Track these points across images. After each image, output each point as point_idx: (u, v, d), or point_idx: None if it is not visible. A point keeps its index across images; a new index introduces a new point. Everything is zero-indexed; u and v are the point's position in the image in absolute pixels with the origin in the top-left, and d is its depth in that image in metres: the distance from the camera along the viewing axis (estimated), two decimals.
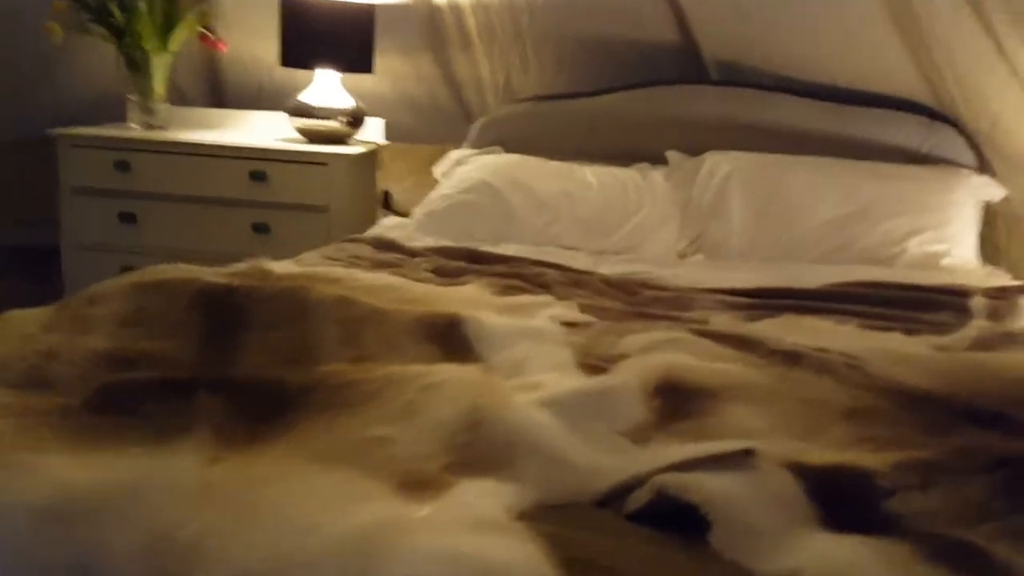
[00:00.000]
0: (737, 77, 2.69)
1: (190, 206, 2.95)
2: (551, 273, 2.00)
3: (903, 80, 2.50)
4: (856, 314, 1.69)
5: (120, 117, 3.14)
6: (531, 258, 2.12)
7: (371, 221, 2.83)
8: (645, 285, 1.96)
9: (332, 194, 2.90)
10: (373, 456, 0.90)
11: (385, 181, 3.28)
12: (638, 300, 1.84)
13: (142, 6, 2.94)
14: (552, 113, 2.79)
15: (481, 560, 0.70)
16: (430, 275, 1.89)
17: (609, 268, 2.11)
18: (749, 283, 1.94)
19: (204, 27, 3.13)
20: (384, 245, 2.21)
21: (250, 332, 1.26)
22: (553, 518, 0.84)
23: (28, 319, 1.25)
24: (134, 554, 0.70)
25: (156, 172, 2.96)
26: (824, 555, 0.77)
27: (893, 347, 1.44)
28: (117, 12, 2.92)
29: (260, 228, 2.88)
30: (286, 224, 2.88)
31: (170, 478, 0.80)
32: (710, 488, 0.83)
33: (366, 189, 3.17)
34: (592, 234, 2.34)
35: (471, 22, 3.14)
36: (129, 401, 1.01)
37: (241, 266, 1.61)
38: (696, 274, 2.07)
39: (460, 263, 2.03)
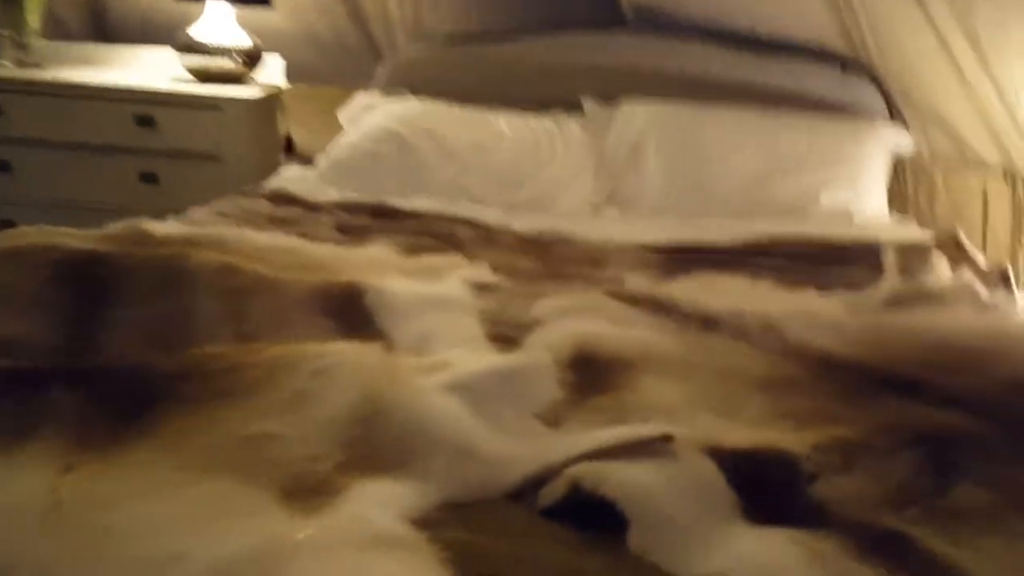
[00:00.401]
0: (653, 21, 2.60)
1: (70, 153, 2.71)
2: (462, 230, 1.91)
3: (819, 26, 2.46)
4: (770, 269, 1.66)
5: None
6: (442, 213, 2.02)
7: (271, 170, 2.65)
8: (558, 241, 1.88)
9: (227, 141, 2.71)
10: (254, 459, 0.80)
11: (287, 125, 3.08)
12: (552, 259, 1.77)
13: None
14: (464, 57, 2.65)
15: None
16: (333, 233, 1.77)
17: (522, 223, 2.02)
18: (663, 238, 1.89)
19: None
20: (283, 199, 2.06)
21: (119, 309, 1.13)
22: (459, 521, 0.77)
23: None
24: None
25: (31, 115, 2.72)
26: (751, 556, 0.72)
27: (809, 308, 1.40)
28: None
29: (148, 178, 2.68)
30: (176, 174, 2.67)
31: (11, 499, 0.68)
32: (627, 481, 0.77)
33: (265, 135, 2.96)
34: (504, 187, 2.24)
35: None
36: None
37: (116, 227, 1.46)
38: (610, 229, 2.01)
39: (366, 220, 1.91)
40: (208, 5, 2.78)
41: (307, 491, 0.76)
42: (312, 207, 2.00)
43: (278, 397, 0.91)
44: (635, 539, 0.75)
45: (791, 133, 2.27)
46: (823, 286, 1.56)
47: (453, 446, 0.85)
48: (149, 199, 2.54)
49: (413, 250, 1.63)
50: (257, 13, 2.90)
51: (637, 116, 2.32)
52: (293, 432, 0.85)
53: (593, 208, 2.24)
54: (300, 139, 3.04)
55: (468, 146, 2.28)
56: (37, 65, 2.84)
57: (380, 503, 0.74)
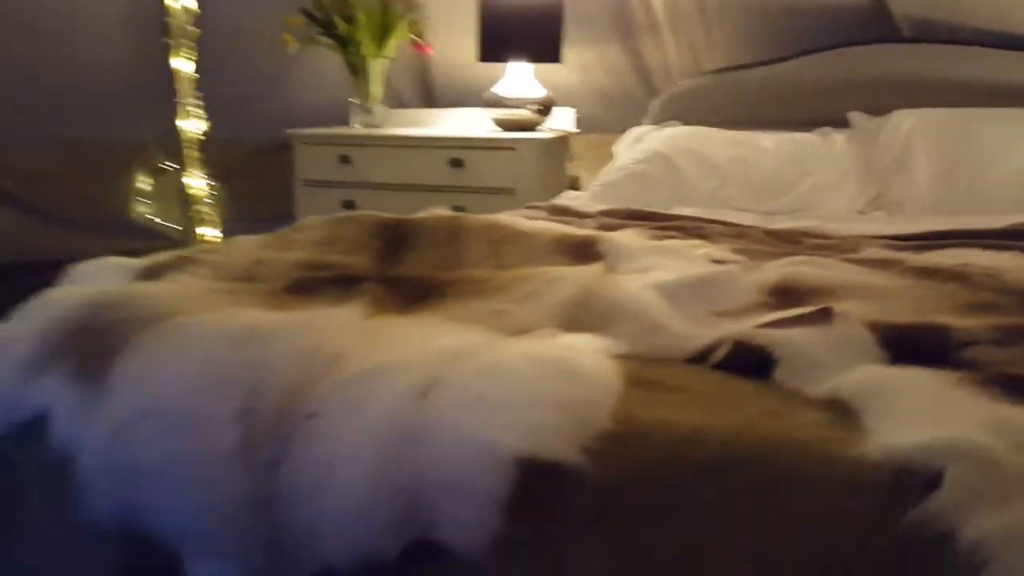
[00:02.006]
0: (929, 34, 2.56)
1: (400, 193, 3.29)
2: (713, 227, 2.04)
3: None
4: None
5: (344, 118, 3.57)
6: (698, 217, 2.18)
7: None
8: (809, 234, 1.94)
9: (521, 177, 3.11)
10: (495, 320, 1.05)
11: (574, 169, 3.46)
12: (797, 246, 1.84)
13: (362, 18, 3.33)
14: (732, 84, 2.81)
15: (557, 358, 0.82)
16: (592, 229, 2.01)
17: (778, 224, 2.11)
18: (923, 230, 1.86)
19: (414, 33, 3.49)
20: (558, 210, 2.36)
21: (414, 251, 1.47)
22: (640, 362, 0.94)
23: (247, 241, 1.54)
24: (291, 361, 0.89)
25: (373, 164, 3.34)
26: (867, 376, 0.79)
27: None
28: (341, 24, 3.33)
29: (458, 210, 3.14)
30: (480, 206, 3.10)
31: (331, 319, 1.00)
32: (781, 335, 0.89)
33: (554, 173, 3.35)
34: (764, 196, 2.34)
35: (657, 5, 3.23)
36: (314, 287, 1.24)
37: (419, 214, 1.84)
38: (869, 226, 2.02)
39: (623, 220, 2.13)
40: (510, 66, 3.26)
41: (527, 334, 0.98)
42: (581, 215, 2.27)
43: (517, 293, 1.16)
44: (780, 373, 0.86)
45: None
46: None
47: (645, 320, 1.02)
48: None
49: (658, 238, 1.82)
50: (553, 72, 3.33)
51: (907, 122, 2.30)
52: (524, 310, 1.09)
53: (857, 214, 2.25)
54: (587, 183, 3.39)
55: (730, 160, 2.42)
56: (378, 126, 3.51)
57: (580, 339, 0.95)
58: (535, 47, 3.18)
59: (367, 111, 3.50)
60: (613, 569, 0.73)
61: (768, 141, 2.47)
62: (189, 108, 3.02)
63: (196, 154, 3.11)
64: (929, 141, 2.24)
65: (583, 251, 1.39)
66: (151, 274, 1.32)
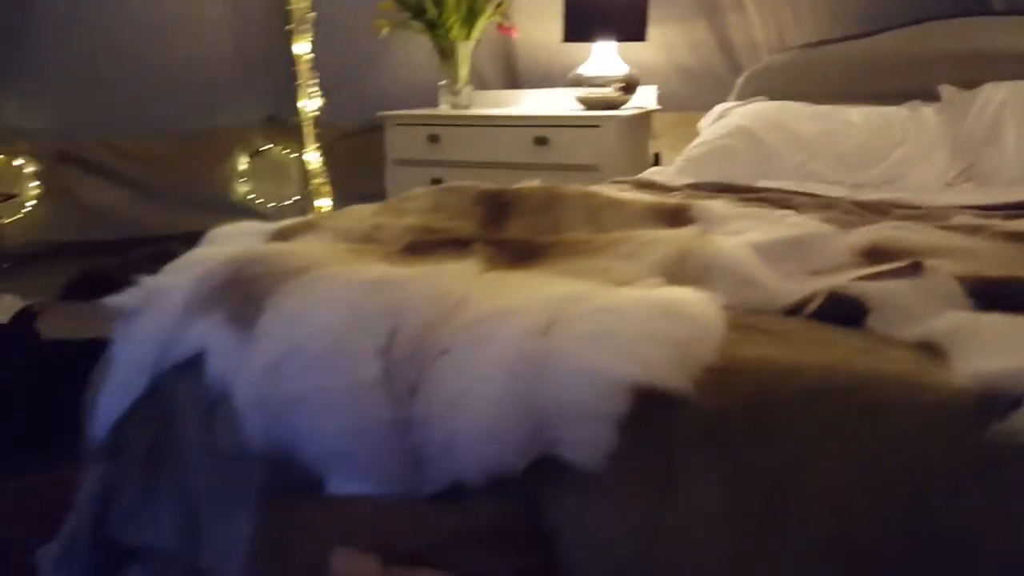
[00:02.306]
0: (1021, 6, 2.52)
1: (486, 171, 3.38)
2: (800, 199, 2.08)
3: None
4: None
5: (431, 100, 3.70)
6: (785, 189, 2.21)
7: None
8: (898, 205, 1.97)
9: (605, 154, 3.18)
10: (597, 275, 1.14)
11: (656, 146, 3.51)
12: (887, 217, 1.87)
13: (450, 2, 3.45)
14: (819, 59, 2.82)
15: (666, 300, 0.91)
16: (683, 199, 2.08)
17: (865, 196, 2.13)
18: (1015, 200, 1.87)
19: (500, 16, 3.59)
20: (644, 184, 2.42)
21: (515, 218, 1.57)
22: (738, 312, 1.02)
23: (361, 209, 1.67)
24: (424, 305, 1.01)
25: (460, 143, 3.46)
26: (955, 320, 0.85)
27: None
28: (431, 8, 3.45)
29: None
30: (563, 182, 3.16)
31: (452, 271, 1.11)
32: (873, 286, 0.95)
33: (637, 151, 3.41)
34: (851, 169, 2.36)
35: None
36: (428, 248, 1.35)
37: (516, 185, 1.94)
38: (959, 197, 2.03)
39: (710, 193, 2.18)
40: (595, 46, 3.32)
41: (635, 284, 1.07)
42: (667, 188, 2.34)
43: (617, 253, 1.25)
44: (872, 320, 0.93)
45: None
46: None
47: (741, 275, 1.10)
48: None
49: (746, 207, 1.87)
50: (637, 49, 3.37)
51: (998, 94, 2.29)
52: (625, 267, 1.18)
53: (946, 186, 2.25)
54: (668, 160, 3.43)
55: (816, 134, 2.44)
56: (465, 107, 3.62)
57: (683, 290, 1.03)
58: (620, 26, 3.24)
59: (455, 92, 3.61)
60: (719, 484, 0.82)
61: (856, 115, 2.48)
62: (308, 89, 3.23)
63: (313, 131, 3.30)
64: (1020, 114, 2.22)
65: (676, 217, 1.47)
66: (282, 236, 1.46)
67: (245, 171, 4.26)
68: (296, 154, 4.30)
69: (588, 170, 3.18)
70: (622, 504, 0.85)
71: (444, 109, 3.61)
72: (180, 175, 4.07)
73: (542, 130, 3.27)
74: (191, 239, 4.13)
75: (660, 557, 0.83)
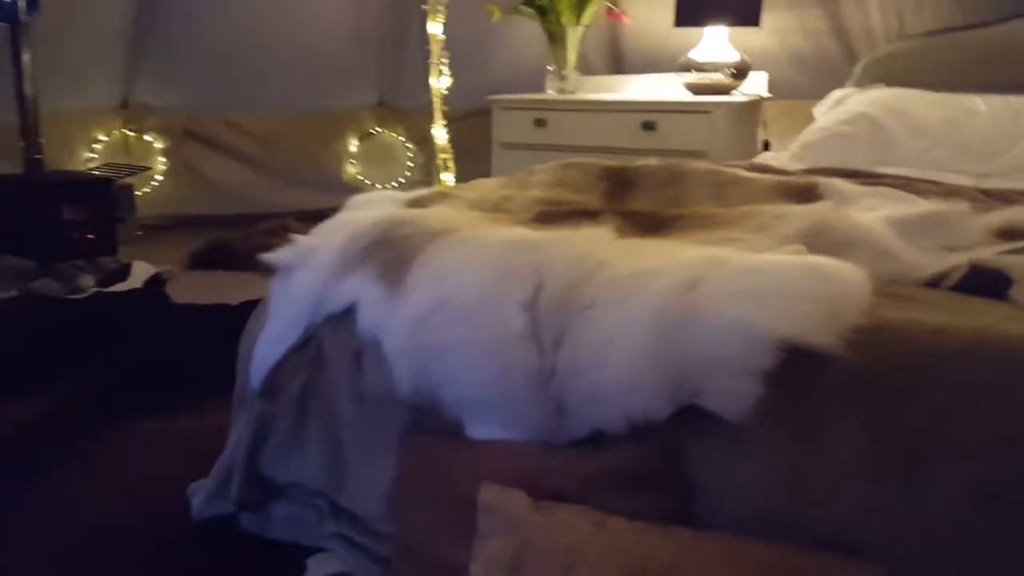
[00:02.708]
0: None
1: (591, 155, 3.38)
2: (924, 185, 2.05)
3: None
4: None
5: (536, 85, 3.76)
6: (906, 176, 2.18)
7: None
8: None
9: (713, 140, 3.17)
10: (731, 245, 1.17)
11: (766, 133, 3.47)
12: (1014, 205, 1.83)
13: None
14: (942, 47, 2.75)
15: (812, 262, 0.94)
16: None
17: (991, 185, 2.08)
18: None
19: (610, 2, 3.61)
20: (759, 168, 2.42)
21: (639, 192, 1.61)
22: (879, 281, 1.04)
23: (488, 182, 1.75)
24: (566, 265, 1.06)
25: (566, 127, 3.50)
26: None
27: None
28: None
29: None
30: None
31: (590, 235, 1.16)
32: (1016, 259, 0.96)
33: (746, 137, 3.38)
34: (977, 159, 2.30)
35: None
36: (557, 218, 1.41)
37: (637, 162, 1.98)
38: None
39: (830, 177, 2.16)
40: (707, 31, 3.31)
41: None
42: (784, 173, 2.32)
43: (747, 225, 1.28)
44: (1016, 292, 0.93)
45: None
46: None
47: (878, 248, 1.11)
48: None
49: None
50: (749, 35, 3.35)
51: None
52: (757, 240, 1.20)
53: None
54: (777, 147, 3.39)
55: (939, 122, 2.39)
56: (572, 92, 3.66)
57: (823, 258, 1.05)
58: (733, 11, 3.22)
59: (562, 77, 3.66)
60: (867, 436, 0.85)
61: (981, 103, 2.41)
62: (439, 67, 3.36)
63: (442, 109, 3.43)
64: None
65: (805, 193, 1.48)
66: (418, 204, 1.53)
67: (355, 152, 4.43)
68: (403, 137, 4.44)
69: (696, 156, 3.16)
70: (765, 453, 0.88)
71: (551, 94, 3.66)
72: (294, 154, 4.27)
73: (650, 115, 3.28)
74: (304, 216, 4.35)
75: (802, 506, 0.86)
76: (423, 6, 3.31)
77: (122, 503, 1.60)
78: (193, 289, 3.02)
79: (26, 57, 3.26)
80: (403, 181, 4.44)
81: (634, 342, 0.94)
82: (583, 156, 3.41)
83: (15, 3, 3.24)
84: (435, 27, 3.34)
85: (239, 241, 3.53)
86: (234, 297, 2.78)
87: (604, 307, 0.99)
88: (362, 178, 4.41)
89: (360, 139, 4.45)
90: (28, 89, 3.27)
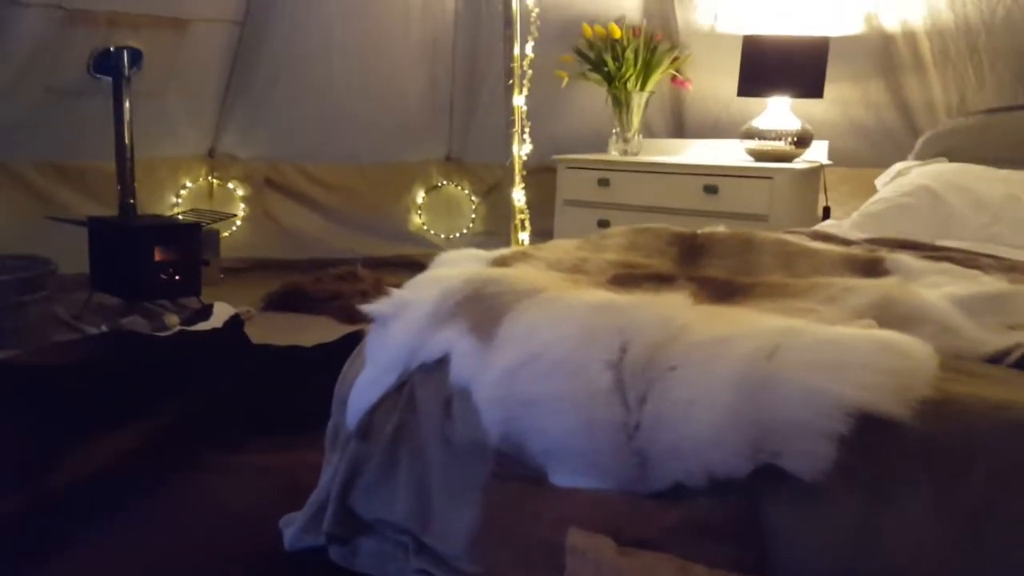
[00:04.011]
0: None
1: (653, 215, 3.53)
2: (985, 260, 2.10)
3: None
4: None
5: (599, 146, 3.89)
6: (967, 250, 2.23)
7: None
8: None
9: (774, 205, 3.25)
10: (804, 316, 1.25)
11: (826, 199, 3.54)
12: None
13: (629, 56, 3.64)
14: (1003, 124, 2.81)
15: (884, 336, 1.02)
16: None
17: None
18: None
19: (675, 70, 3.76)
20: (821, 236, 2.48)
21: (710, 258, 1.70)
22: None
23: (565, 244, 1.85)
24: (651, 327, 1.15)
25: (629, 188, 3.62)
26: None
27: None
28: (611, 62, 3.66)
29: None
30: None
31: (669, 300, 1.26)
32: None
33: (806, 202, 3.46)
34: None
35: (925, 46, 3.27)
36: (633, 281, 1.51)
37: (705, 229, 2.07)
38: None
39: (891, 249, 2.22)
40: (770, 101, 3.42)
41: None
42: (846, 242, 2.39)
43: (818, 296, 1.36)
44: None
45: None
46: None
47: (943, 324, 1.18)
48: None
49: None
50: (810, 105, 3.45)
51: None
52: (828, 311, 1.28)
53: None
54: (837, 215, 3.46)
55: (1002, 197, 2.44)
56: (635, 153, 3.79)
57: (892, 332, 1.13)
58: (797, 83, 3.32)
59: (626, 139, 3.79)
60: (933, 498, 0.91)
61: None
62: (521, 135, 3.57)
63: (521, 174, 3.62)
64: None
65: (871, 267, 1.55)
66: (501, 263, 1.65)
67: (421, 204, 4.61)
68: (467, 190, 4.61)
69: (757, 220, 3.26)
70: (838, 512, 0.96)
71: (614, 155, 3.79)
72: (364, 203, 4.46)
73: (712, 178, 3.38)
74: (371, 263, 4.52)
75: (872, 560, 0.93)
76: (508, 81, 3.51)
77: (213, 533, 1.70)
78: (269, 329, 3.17)
79: (126, 108, 3.51)
80: (465, 232, 4.60)
81: (717, 402, 1.03)
82: (644, 216, 3.56)
83: (120, 58, 3.51)
84: (519, 99, 3.54)
85: (311, 285, 3.70)
86: (307, 339, 2.92)
87: (688, 368, 1.08)
88: (427, 228, 4.58)
89: (427, 191, 4.63)
90: (126, 138, 3.52)
